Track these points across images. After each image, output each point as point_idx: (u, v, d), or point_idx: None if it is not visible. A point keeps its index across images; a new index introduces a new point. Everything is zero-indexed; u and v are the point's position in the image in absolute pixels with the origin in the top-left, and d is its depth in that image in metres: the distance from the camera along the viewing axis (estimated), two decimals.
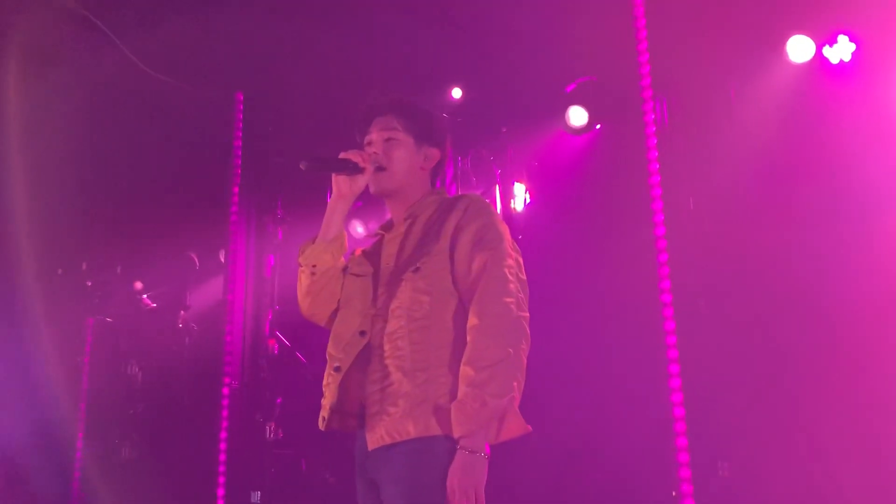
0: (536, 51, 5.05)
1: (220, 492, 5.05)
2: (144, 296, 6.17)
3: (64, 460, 5.61)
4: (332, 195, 2.47)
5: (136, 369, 5.90)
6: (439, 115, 2.70)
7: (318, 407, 2.37)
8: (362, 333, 2.34)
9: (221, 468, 5.07)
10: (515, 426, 2.15)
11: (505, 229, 2.38)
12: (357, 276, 2.47)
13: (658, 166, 4.21)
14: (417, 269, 2.32)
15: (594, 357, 4.59)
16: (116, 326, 6.04)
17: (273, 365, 5.58)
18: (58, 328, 5.71)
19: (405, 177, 2.48)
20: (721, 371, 4.31)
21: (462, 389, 2.14)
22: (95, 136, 5.27)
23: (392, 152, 2.47)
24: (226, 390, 5.15)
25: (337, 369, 2.32)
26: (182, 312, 6.08)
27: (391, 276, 2.38)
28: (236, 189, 5.32)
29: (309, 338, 5.40)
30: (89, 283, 5.85)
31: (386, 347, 2.29)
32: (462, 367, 2.16)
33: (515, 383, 2.14)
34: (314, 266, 2.44)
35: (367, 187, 2.44)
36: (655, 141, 4.26)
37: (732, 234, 4.51)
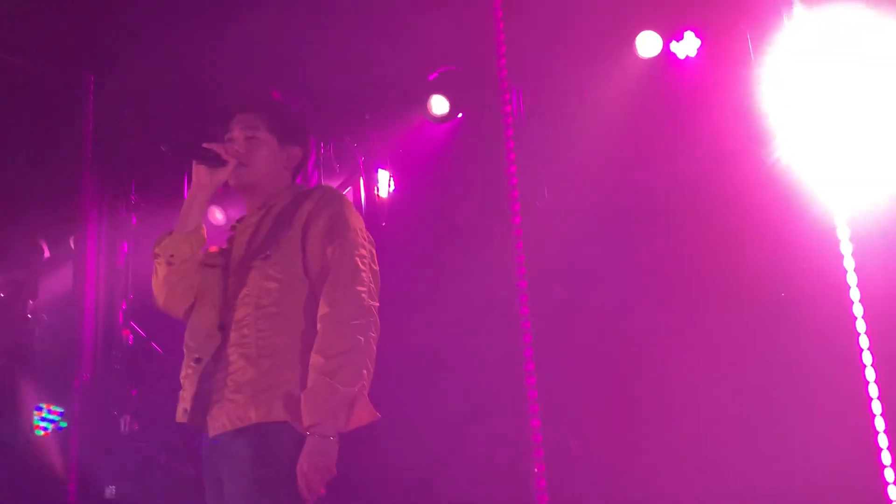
0: (399, 38, 5.07)
1: (72, 487, 4.87)
2: None
3: None
4: (192, 185, 2.45)
5: None
6: (301, 113, 2.77)
7: (176, 399, 2.34)
8: (221, 327, 2.30)
9: (73, 463, 4.89)
10: (365, 413, 2.16)
11: (358, 219, 2.40)
12: (211, 266, 2.44)
13: (514, 156, 4.33)
14: (267, 257, 2.30)
15: (452, 341, 4.68)
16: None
17: (127, 356, 5.42)
18: None
19: (266, 175, 2.47)
20: (575, 356, 4.47)
21: (312, 377, 2.14)
22: None
23: (254, 151, 2.46)
24: (76, 383, 4.97)
25: (198, 360, 2.29)
26: (31, 302, 5.81)
27: (240, 265, 2.36)
28: (87, 174, 5.11)
29: (165, 328, 5.26)
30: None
31: (233, 336, 2.27)
32: (312, 356, 2.16)
33: (365, 371, 2.16)
34: (172, 255, 2.39)
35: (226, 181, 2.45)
36: (512, 132, 4.37)
37: (587, 222, 4.68)
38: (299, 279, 2.29)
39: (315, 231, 2.32)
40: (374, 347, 2.22)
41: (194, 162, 2.42)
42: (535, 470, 3.99)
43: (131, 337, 5.46)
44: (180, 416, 2.32)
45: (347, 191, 5.91)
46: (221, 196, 5.18)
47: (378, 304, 2.28)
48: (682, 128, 4.63)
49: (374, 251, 2.37)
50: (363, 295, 2.22)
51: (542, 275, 4.36)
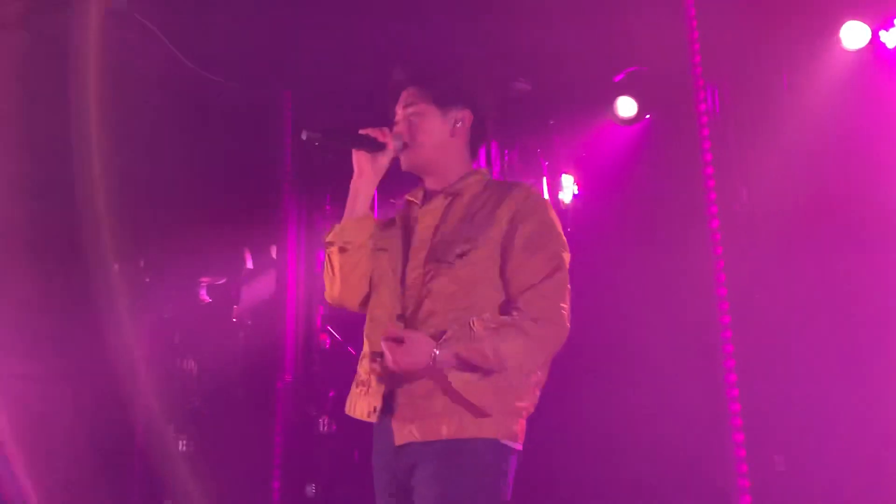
0: (584, 40, 4.99)
1: (276, 485, 5.13)
2: (202, 291, 6.26)
3: (123, 456, 5.73)
4: (354, 174, 2.34)
5: (193, 364, 6.00)
6: (466, 71, 2.44)
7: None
8: (400, 317, 2.20)
9: (277, 461, 5.15)
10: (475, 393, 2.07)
11: (560, 228, 2.28)
12: (384, 250, 2.33)
13: (711, 157, 4.17)
14: (464, 255, 2.17)
15: (648, 353, 4.55)
16: (172, 321, 6.14)
17: (325, 359, 5.64)
18: (114, 324, 5.82)
19: (435, 149, 2.33)
20: (778, 365, 4.25)
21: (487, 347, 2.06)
22: (150, 135, 5.34)
23: (416, 127, 2.32)
24: (279, 384, 5.22)
25: (382, 354, 2.11)
26: (235, 307, 6.16)
27: (429, 255, 2.22)
28: (287, 186, 5.38)
29: (359, 331, 5.44)
30: (147, 280, 5.95)
31: (421, 329, 2.13)
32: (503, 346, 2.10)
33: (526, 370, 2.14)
34: (346, 242, 2.29)
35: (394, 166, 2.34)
36: (708, 132, 4.21)
37: (787, 225, 4.44)
38: (494, 285, 2.18)
39: (520, 236, 2.19)
40: (550, 356, 2.20)
41: (353, 150, 2.31)
42: (739, 485, 3.82)
43: (328, 340, 5.69)
44: (365, 415, 2.21)
45: None
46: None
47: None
48: (894, 124, 4.31)
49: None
50: (564, 313, 2.15)
51: (743, 281, 4.17)
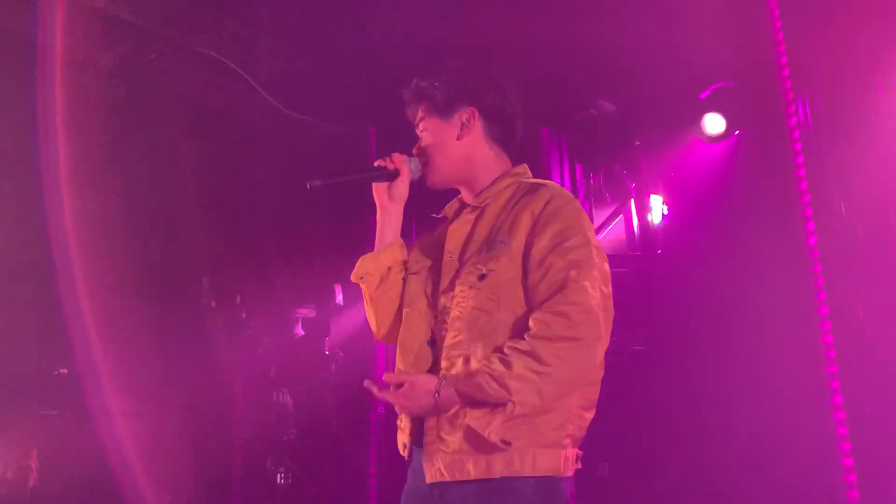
0: (668, 58, 4.92)
1: None
2: (297, 325, 6.38)
3: (225, 487, 5.85)
4: (377, 208, 2.29)
5: (288, 396, 6.11)
6: (460, 68, 2.30)
7: None
8: (431, 342, 2.10)
9: (372, 493, 5.16)
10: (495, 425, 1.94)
11: (591, 230, 2.10)
12: (416, 274, 2.23)
13: (805, 171, 4.02)
14: (484, 277, 2.04)
15: (747, 379, 4.39)
16: (268, 355, 6.27)
17: None
18: (214, 360, 5.98)
19: (451, 160, 2.22)
20: (887, 388, 4.04)
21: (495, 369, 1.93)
22: (243, 173, 5.50)
23: (426, 142, 2.24)
24: (373, 416, 5.24)
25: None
26: (326, 340, 6.25)
27: (454, 278, 2.10)
28: (372, 219, 5.42)
29: None
30: (243, 316, 6.10)
31: (443, 363, 2.03)
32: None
33: (538, 396, 1.92)
34: (364, 274, 2.24)
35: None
36: (800, 145, 4.06)
37: (890, 238, 4.23)
38: (519, 304, 2.03)
39: (541, 246, 2.03)
40: (579, 376, 1.98)
41: (373, 183, 2.25)
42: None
43: None
44: (402, 450, 2.15)
45: (618, 220, 5.81)
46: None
47: (606, 330, 2.00)
48: None
49: (607, 269, 2.09)
50: (585, 326, 1.96)
51: (845, 300, 3.99)
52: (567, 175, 5.62)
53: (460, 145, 2.22)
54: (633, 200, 5.72)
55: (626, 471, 4.75)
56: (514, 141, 2.31)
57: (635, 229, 5.70)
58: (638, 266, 5.54)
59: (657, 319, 5.01)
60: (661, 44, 4.83)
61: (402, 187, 2.24)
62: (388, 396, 1.99)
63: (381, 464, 5.20)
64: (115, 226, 5.87)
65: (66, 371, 5.65)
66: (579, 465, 2.08)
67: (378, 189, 2.26)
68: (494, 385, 1.91)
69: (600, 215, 5.82)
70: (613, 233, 5.85)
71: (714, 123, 5.10)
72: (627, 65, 5.08)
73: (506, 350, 1.95)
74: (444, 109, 2.23)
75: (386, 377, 2.00)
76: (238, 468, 5.93)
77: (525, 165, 2.31)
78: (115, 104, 5.36)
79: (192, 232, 5.71)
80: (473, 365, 1.98)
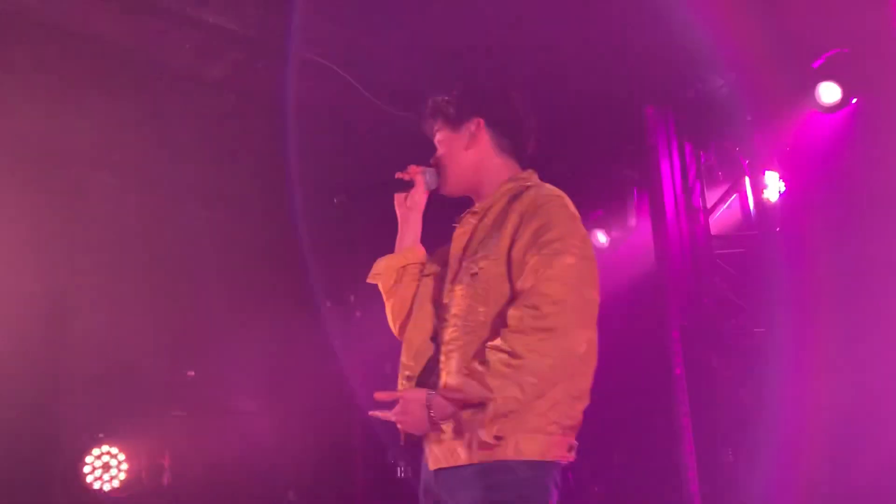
0: (777, 28, 4.72)
1: None
2: None
3: (345, 484, 5.98)
4: (398, 217, 2.49)
5: None
6: (470, 83, 2.49)
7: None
8: (433, 339, 2.23)
9: None
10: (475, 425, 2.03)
11: (573, 223, 2.17)
12: (428, 276, 2.39)
13: None
14: (475, 275, 2.16)
15: (876, 360, 4.18)
16: (381, 351, 6.33)
17: None
18: (329, 357, 6.10)
19: (460, 169, 2.37)
20: None
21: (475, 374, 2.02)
22: (350, 173, 5.57)
23: (440, 153, 2.41)
24: None
25: (409, 378, 2.22)
26: None
27: (454, 279, 2.24)
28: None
29: None
30: (358, 314, 6.19)
31: (441, 359, 2.16)
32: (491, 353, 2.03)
33: (519, 391, 2.00)
34: (375, 274, 2.45)
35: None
36: None
37: None
38: (507, 300, 2.12)
39: (521, 242, 2.13)
40: (558, 365, 2.03)
41: (394, 196, 2.46)
42: None
43: None
44: (402, 438, 2.24)
45: (733, 198, 5.63)
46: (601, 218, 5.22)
47: (583, 319, 2.07)
48: None
49: (589, 268, 2.13)
50: (559, 318, 2.03)
51: None
52: (676, 155, 5.48)
53: (469, 155, 2.36)
54: (747, 178, 5.52)
55: (748, 457, 4.61)
56: (525, 151, 2.43)
57: (751, 208, 5.51)
58: (755, 246, 5.37)
59: (778, 301, 4.83)
60: (769, 13, 4.64)
61: (417, 197, 2.44)
62: (389, 417, 2.11)
63: None
64: (233, 234, 6.08)
65: (193, 374, 5.87)
66: (572, 456, 2.15)
67: (398, 199, 2.47)
68: (476, 385, 2.00)
69: (713, 195, 5.65)
70: (728, 213, 5.67)
71: (829, 92, 4.85)
72: (734, 36, 4.91)
73: (486, 350, 2.04)
74: (454, 121, 2.38)
75: (377, 395, 2.13)
76: (358, 464, 6.05)
77: (531, 171, 2.42)
78: (221, 116, 5.55)
79: (305, 234, 5.85)
80: (458, 360, 2.09)
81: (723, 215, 5.67)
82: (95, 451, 5.28)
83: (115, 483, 5.28)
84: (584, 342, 2.06)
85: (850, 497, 4.05)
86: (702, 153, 5.67)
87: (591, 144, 5.66)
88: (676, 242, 5.21)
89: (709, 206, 5.60)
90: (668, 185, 5.33)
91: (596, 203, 6.00)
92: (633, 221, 5.94)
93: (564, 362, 2.04)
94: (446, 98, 2.41)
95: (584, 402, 2.16)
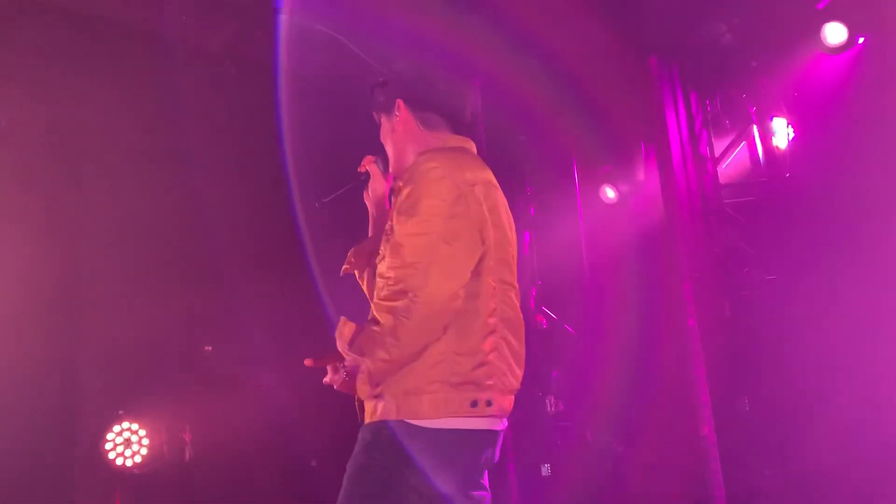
0: None
1: (511, 466, 5.18)
2: None
3: None
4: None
5: None
6: (395, 70, 2.70)
7: (596, 377, 2.33)
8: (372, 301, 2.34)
9: (510, 443, 5.19)
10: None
11: (434, 187, 2.16)
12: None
13: None
14: (382, 259, 2.28)
15: (884, 299, 4.15)
16: None
17: (543, 339, 5.62)
18: None
19: (395, 151, 2.47)
20: None
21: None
22: (349, 143, 5.53)
23: (381, 138, 2.53)
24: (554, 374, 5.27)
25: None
26: None
27: (382, 255, 2.34)
28: None
29: (574, 310, 5.37)
30: None
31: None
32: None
33: (383, 353, 2.10)
34: (348, 262, 2.55)
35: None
36: None
37: None
38: None
39: (394, 210, 2.25)
40: (417, 325, 2.09)
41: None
42: None
43: (545, 321, 5.65)
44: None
45: (741, 146, 5.57)
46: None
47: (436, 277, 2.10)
48: None
49: (454, 224, 2.14)
50: (413, 281, 2.10)
51: None
52: (682, 105, 5.41)
53: (398, 135, 2.45)
54: (755, 125, 5.45)
55: (764, 405, 4.61)
56: (461, 119, 2.47)
57: (760, 155, 5.45)
58: (766, 193, 5.32)
59: (790, 247, 4.80)
60: None
61: (374, 184, 2.57)
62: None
63: (515, 413, 5.21)
64: (249, 207, 6.06)
65: (210, 349, 5.89)
66: (479, 411, 2.17)
67: (364, 195, 2.61)
68: (353, 351, 2.16)
69: (721, 144, 5.59)
70: (737, 161, 5.61)
71: (835, 33, 4.77)
72: None
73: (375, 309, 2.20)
74: (386, 108, 2.48)
75: (307, 362, 2.34)
76: None
77: (461, 138, 2.44)
78: (228, 89, 5.50)
79: (310, 212, 5.82)
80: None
81: (732, 163, 5.62)
82: (116, 428, 5.34)
83: (138, 459, 5.34)
84: (442, 299, 2.10)
85: (868, 441, 4.06)
86: (708, 102, 5.60)
87: (596, 100, 5.61)
88: (684, 192, 5.17)
89: (717, 154, 5.55)
90: (675, 135, 5.27)
91: (604, 159, 5.94)
92: (641, 175, 5.89)
93: (423, 322, 2.10)
94: (377, 88, 2.52)
95: (476, 358, 2.18)
